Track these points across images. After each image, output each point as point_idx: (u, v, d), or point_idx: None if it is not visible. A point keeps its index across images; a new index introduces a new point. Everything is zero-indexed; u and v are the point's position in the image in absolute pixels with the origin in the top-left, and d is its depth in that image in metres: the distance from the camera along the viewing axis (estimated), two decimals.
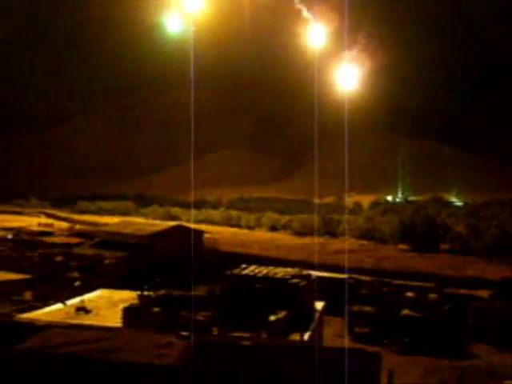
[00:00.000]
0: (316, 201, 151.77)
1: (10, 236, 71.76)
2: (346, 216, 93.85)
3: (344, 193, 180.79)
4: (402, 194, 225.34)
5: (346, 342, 28.99)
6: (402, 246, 72.82)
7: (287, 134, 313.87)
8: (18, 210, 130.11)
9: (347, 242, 77.01)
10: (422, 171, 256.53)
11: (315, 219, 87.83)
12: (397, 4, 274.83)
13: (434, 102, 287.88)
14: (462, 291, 40.66)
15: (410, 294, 36.03)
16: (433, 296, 36.06)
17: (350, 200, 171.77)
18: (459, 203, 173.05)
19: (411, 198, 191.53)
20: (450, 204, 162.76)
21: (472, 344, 33.16)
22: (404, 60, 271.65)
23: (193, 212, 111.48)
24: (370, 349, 21.35)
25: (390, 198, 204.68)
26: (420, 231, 71.78)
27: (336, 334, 32.02)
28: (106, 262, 50.08)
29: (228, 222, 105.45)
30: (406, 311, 34.00)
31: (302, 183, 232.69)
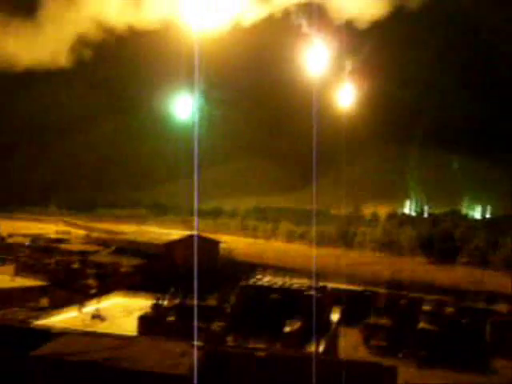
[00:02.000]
0: (333, 211, 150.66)
1: (27, 243, 72.32)
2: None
3: (360, 204, 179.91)
4: (417, 205, 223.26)
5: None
6: (420, 259, 72.17)
7: (303, 144, 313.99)
8: (36, 217, 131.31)
9: (364, 254, 76.68)
10: (437, 182, 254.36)
11: (332, 230, 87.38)
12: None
13: (449, 112, 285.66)
14: (480, 305, 40.08)
15: (426, 308, 35.60)
16: (450, 309, 35.63)
17: (367, 211, 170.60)
18: (477, 216, 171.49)
19: (428, 210, 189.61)
20: (467, 217, 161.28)
21: (491, 358, 32.66)
22: (417, 69, 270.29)
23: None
24: (386, 362, 21.13)
25: (406, 210, 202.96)
26: (438, 244, 71.18)
27: (352, 346, 31.74)
28: (122, 269, 50.13)
29: (244, 232, 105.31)
30: (422, 324, 33.62)
31: (318, 194, 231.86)
